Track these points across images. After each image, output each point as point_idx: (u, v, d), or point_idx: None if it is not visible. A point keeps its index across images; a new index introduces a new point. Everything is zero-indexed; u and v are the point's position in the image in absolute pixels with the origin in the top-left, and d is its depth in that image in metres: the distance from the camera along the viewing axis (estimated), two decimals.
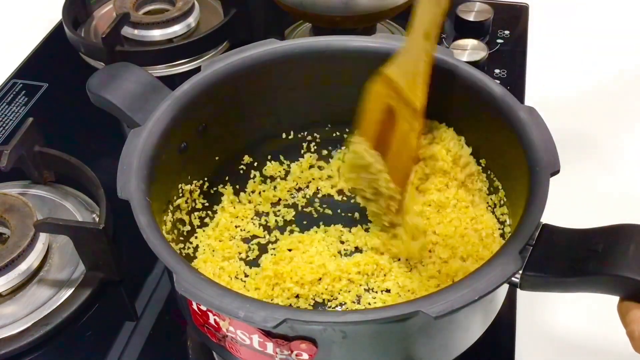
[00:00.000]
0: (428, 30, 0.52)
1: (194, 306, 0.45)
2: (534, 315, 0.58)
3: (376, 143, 0.56)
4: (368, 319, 0.40)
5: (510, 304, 0.53)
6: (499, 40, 0.85)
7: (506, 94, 0.53)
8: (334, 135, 0.64)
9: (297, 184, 0.64)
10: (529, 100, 0.54)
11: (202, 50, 0.84)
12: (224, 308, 0.40)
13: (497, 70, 0.81)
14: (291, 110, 0.62)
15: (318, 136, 0.64)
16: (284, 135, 0.64)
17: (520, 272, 0.43)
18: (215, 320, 0.45)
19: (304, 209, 0.62)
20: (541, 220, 0.45)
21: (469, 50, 0.79)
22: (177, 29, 0.85)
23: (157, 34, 0.85)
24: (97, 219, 0.63)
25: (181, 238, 0.56)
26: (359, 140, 0.56)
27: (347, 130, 0.63)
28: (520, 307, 0.58)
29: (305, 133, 0.64)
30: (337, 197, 0.63)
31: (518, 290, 0.45)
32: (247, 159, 0.62)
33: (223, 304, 0.41)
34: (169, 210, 0.55)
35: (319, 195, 0.63)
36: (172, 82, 0.59)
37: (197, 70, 0.81)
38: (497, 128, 0.53)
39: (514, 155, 0.50)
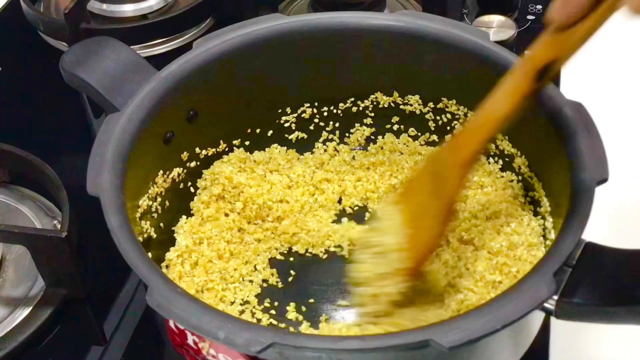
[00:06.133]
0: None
1: (171, 324, 0.45)
2: (570, 343, 0.57)
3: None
4: (369, 347, 0.40)
5: (543, 329, 0.52)
6: (530, 17, 0.86)
7: (548, 86, 0.52)
8: (342, 124, 0.65)
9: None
10: (564, 91, 0.53)
11: (182, 29, 0.84)
12: (202, 328, 0.41)
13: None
14: (294, 94, 0.63)
15: (323, 124, 0.65)
16: (285, 124, 0.64)
17: (556, 297, 0.43)
18: (194, 340, 0.45)
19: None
20: (583, 238, 0.44)
21: (494, 28, 0.79)
22: (152, 3, 0.86)
23: (129, 8, 0.85)
24: (58, 226, 0.63)
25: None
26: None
27: (356, 119, 0.64)
28: (555, 334, 0.57)
29: (309, 122, 0.64)
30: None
31: None
32: (242, 149, 0.63)
33: (201, 323, 0.41)
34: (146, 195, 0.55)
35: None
36: None
37: (176, 51, 0.81)
38: (537, 125, 0.52)
39: (556, 159, 0.50)
